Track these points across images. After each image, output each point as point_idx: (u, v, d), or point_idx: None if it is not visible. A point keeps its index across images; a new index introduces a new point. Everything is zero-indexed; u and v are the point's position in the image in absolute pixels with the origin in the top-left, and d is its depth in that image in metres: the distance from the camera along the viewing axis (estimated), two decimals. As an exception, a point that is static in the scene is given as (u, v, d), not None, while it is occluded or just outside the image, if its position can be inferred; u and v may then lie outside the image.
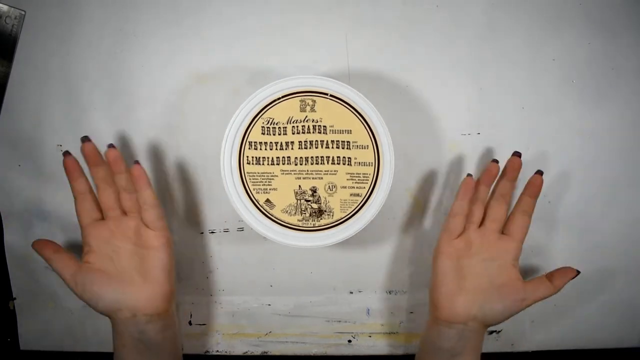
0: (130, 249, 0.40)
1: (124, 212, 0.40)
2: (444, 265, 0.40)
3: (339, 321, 0.47)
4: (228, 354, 0.47)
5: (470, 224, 0.41)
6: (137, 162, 0.39)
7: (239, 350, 0.47)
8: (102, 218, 0.40)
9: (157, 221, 0.39)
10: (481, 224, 0.41)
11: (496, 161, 0.40)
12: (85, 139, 0.39)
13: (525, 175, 0.41)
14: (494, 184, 0.41)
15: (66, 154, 0.39)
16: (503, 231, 0.41)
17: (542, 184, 0.40)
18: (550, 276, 0.40)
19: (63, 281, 0.39)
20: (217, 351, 0.47)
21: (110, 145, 0.39)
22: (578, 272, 0.39)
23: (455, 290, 0.39)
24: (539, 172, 0.40)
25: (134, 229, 0.40)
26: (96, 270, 0.39)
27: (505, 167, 0.41)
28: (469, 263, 0.40)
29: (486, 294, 0.39)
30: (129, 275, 0.39)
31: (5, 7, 0.43)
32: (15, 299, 0.46)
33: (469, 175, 0.40)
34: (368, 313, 0.47)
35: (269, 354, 0.47)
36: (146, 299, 0.39)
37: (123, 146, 0.45)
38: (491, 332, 0.47)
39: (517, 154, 0.41)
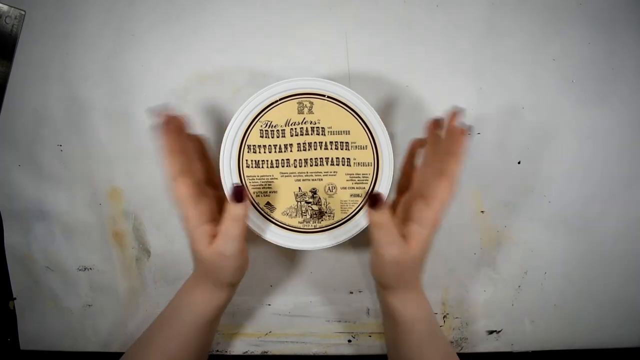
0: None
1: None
2: None
3: (339, 321, 0.47)
4: (228, 353, 0.47)
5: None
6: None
7: (239, 350, 0.47)
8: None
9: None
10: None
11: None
12: None
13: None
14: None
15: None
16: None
17: None
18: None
19: (237, 238, 0.33)
20: (217, 351, 0.47)
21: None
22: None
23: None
24: None
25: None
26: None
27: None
28: None
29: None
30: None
31: (5, 7, 0.43)
32: (15, 299, 0.47)
33: None
34: (368, 313, 0.47)
35: (269, 353, 0.47)
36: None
37: (123, 146, 0.45)
38: (491, 332, 0.47)
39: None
